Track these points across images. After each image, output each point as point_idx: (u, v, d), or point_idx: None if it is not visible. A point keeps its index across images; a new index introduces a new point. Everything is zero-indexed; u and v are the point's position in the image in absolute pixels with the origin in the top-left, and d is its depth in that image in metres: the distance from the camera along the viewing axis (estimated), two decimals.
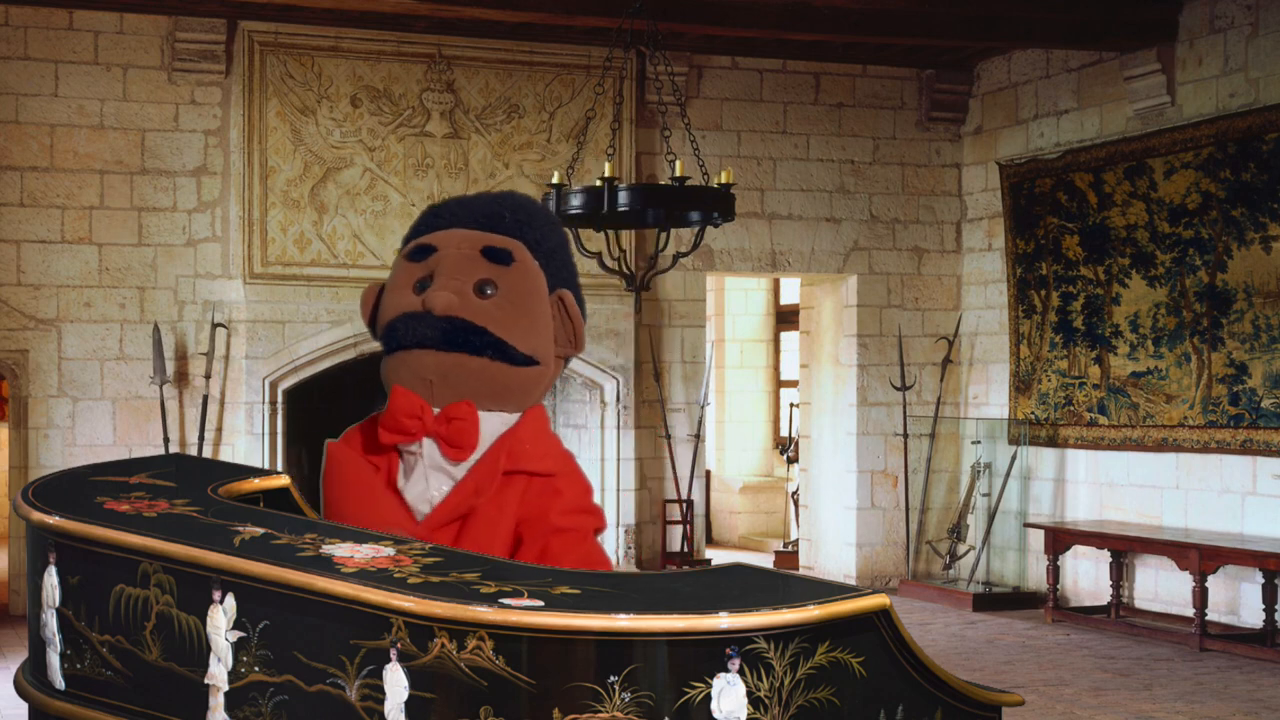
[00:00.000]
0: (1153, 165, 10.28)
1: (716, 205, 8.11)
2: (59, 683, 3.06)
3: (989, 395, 11.93)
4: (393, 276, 3.31)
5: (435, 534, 3.07)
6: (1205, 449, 9.96)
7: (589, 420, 11.38)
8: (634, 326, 11.21)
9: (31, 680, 3.17)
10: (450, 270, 3.19)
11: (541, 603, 2.49)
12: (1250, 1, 9.70)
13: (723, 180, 8.20)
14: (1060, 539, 10.45)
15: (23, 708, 3.23)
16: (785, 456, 14.37)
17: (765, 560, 13.03)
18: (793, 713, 2.50)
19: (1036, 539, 11.02)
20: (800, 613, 2.52)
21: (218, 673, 2.77)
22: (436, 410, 3.14)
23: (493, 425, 3.19)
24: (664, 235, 8.53)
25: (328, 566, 2.69)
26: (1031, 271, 11.38)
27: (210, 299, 10.49)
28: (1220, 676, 8.49)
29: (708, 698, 2.46)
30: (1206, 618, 9.34)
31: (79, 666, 3.02)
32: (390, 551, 2.79)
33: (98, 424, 10.30)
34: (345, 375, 10.86)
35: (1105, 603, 10.50)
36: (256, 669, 2.72)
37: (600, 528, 3.26)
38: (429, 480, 3.15)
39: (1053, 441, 11.26)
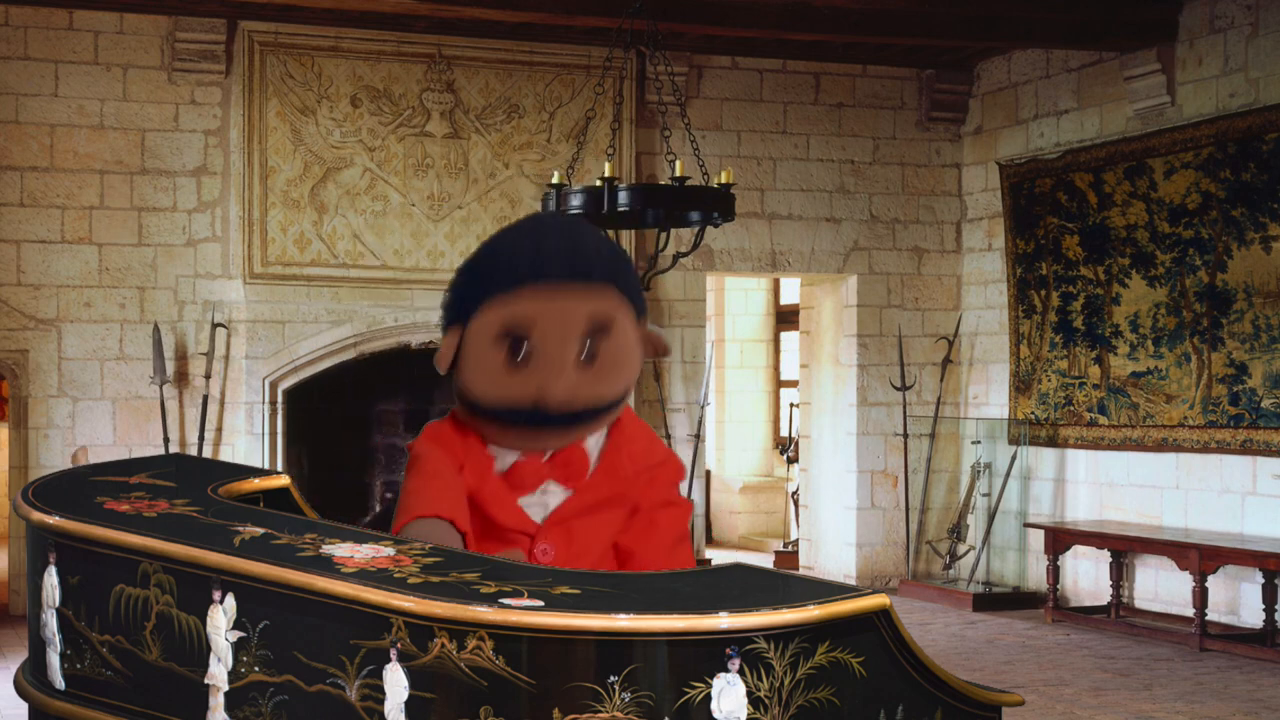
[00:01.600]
0: (1153, 165, 10.28)
1: (716, 205, 8.11)
2: (59, 683, 3.06)
3: (989, 395, 11.93)
4: (476, 342, 3.18)
5: (557, 527, 3.18)
6: (1205, 449, 9.96)
7: None
8: None
9: (31, 680, 3.17)
10: (556, 356, 3.12)
11: (541, 603, 2.49)
12: (1250, 1, 9.70)
13: (723, 180, 8.20)
14: (1060, 539, 10.45)
15: (23, 708, 3.23)
16: (785, 456, 14.37)
17: (765, 560, 13.03)
18: (793, 713, 2.50)
19: (1036, 539, 11.02)
20: (800, 613, 2.52)
21: (218, 673, 2.77)
22: (546, 455, 3.22)
23: (595, 435, 3.30)
24: (664, 235, 8.53)
25: (328, 566, 2.69)
26: (1031, 271, 11.38)
27: (210, 299, 10.49)
28: (1220, 676, 8.49)
29: (708, 698, 2.46)
30: (1206, 618, 9.34)
31: (79, 666, 3.02)
32: (390, 551, 2.79)
33: (98, 424, 10.30)
34: (345, 375, 10.86)
35: (1105, 603, 10.50)
36: (256, 669, 2.72)
37: (690, 505, 3.46)
38: (545, 500, 3.23)
39: (1053, 441, 11.26)
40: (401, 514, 3.11)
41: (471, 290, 3.21)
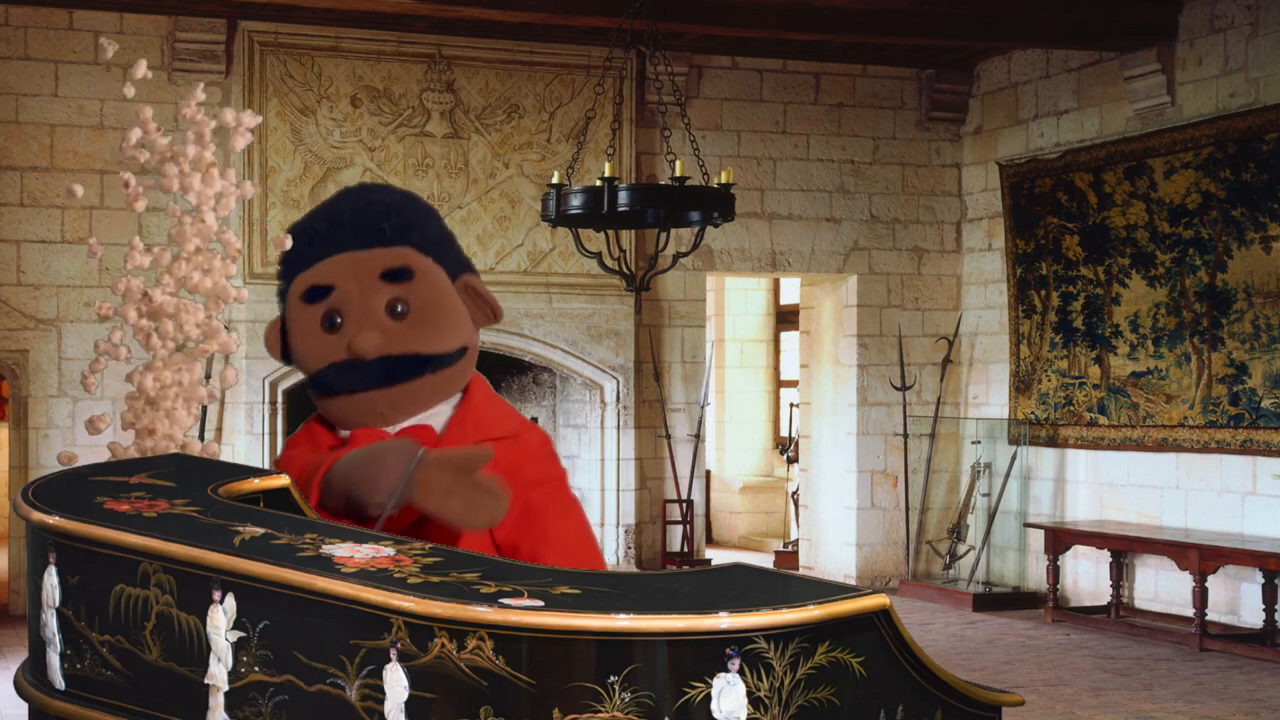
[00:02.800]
0: (1153, 165, 10.28)
1: (716, 205, 8.11)
2: (59, 683, 3.06)
3: (989, 395, 11.93)
4: (293, 319, 3.31)
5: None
6: (1205, 449, 9.96)
7: (589, 420, 11.38)
8: (634, 326, 11.22)
9: (31, 680, 3.17)
10: (359, 306, 3.20)
11: (541, 603, 2.49)
12: (1250, 1, 9.70)
13: (723, 180, 8.20)
14: (1060, 539, 10.45)
15: (23, 708, 3.23)
16: (785, 456, 14.37)
17: (765, 560, 13.03)
18: (793, 713, 2.50)
19: (1036, 539, 11.02)
20: (800, 613, 2.52)
21: (218, 673, 2.77)
22: (393, 430, 3.21)
23: (442, 411, 3.26)
24: (664, 235, 8.53)
25: (328, 566, 2.69)
26: (1031, 271, 11.38)
27: None
28: (1220, 676, 8.49)
29: (708, 698, 2.46)
30: (1206, 618, 9.34)
31: (79, 666, 3.02)
32: (390, 551, 2.79)
33: None
34: None
35: (1105, 603, 10.50)
36: (256, 669, 2.72)
37: (563, 473, 3.38)
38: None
39: (1053, 441, 11.26)
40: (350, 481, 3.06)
41: (283, 271, 3.39)
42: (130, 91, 3.29)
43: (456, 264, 3.38)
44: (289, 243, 3.37)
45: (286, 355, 3.38)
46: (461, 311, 3.31)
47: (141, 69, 3.36)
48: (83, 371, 3.45)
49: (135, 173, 3.59)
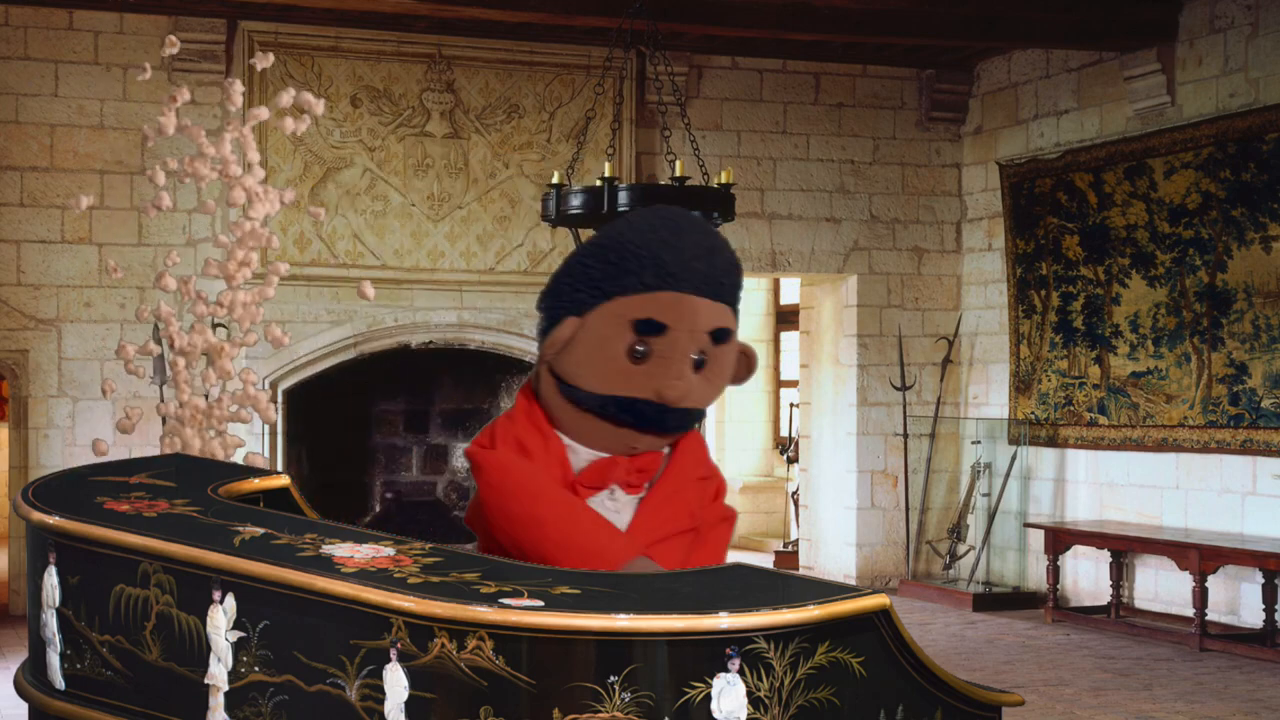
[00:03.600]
0: (1153, 165, 10.28)
1: (716, 205, 8.11)
2: (59, 683, 3.06)
3: (989, 395, 11.93)
4: (600, 332, 3.23)
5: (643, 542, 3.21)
6: (1205, 449, 9.96)
7: None
8: None
9: (31, 680, 3.17)
10: (680, 355, 3.23)
11: (541, 603, 2.49)
12: (1250, 1, 9.70)
13: (723, 180, 8.20)
14: (1060, 539, 10.45)
15: (23, 708, 3.23)
16: (785, 456, 14.37)
17: (765, 560, 13.03)
18: (793, 713, 2.50)
19: (1036, 539, 11.02)
20: (800, 613, 2.52)
21: (218, 673, 2.77)
22: (629, 456, 3.29)
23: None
24: None
25: (328, 566, 2.69)
26: (1031, 271, 11.38)
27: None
28: (1220, 676, 8.49)
29: (708, 698, 2.45)
30: (1206, 618, 9.34)
31: (79, 666, 3.02)
32: (390, 551, 2.79)
33: (98, 424, 10.30)
34: (345, 375, 10.86)
35: (1105, 603, 10.50)
36: (256, 669, 2.72)
37: (735, 514, 3.57)
38: (615, 501, 3.24)
39: (1053, 441, 11.26)
40: (569, 551, 3.04)
41: (601, 281, 3.25)
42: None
43: (738, 318, 3.49)
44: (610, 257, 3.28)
45: (551, 361, 3.31)
46: (732, 371, 3.43)
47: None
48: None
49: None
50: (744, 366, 3.43)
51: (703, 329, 3.24)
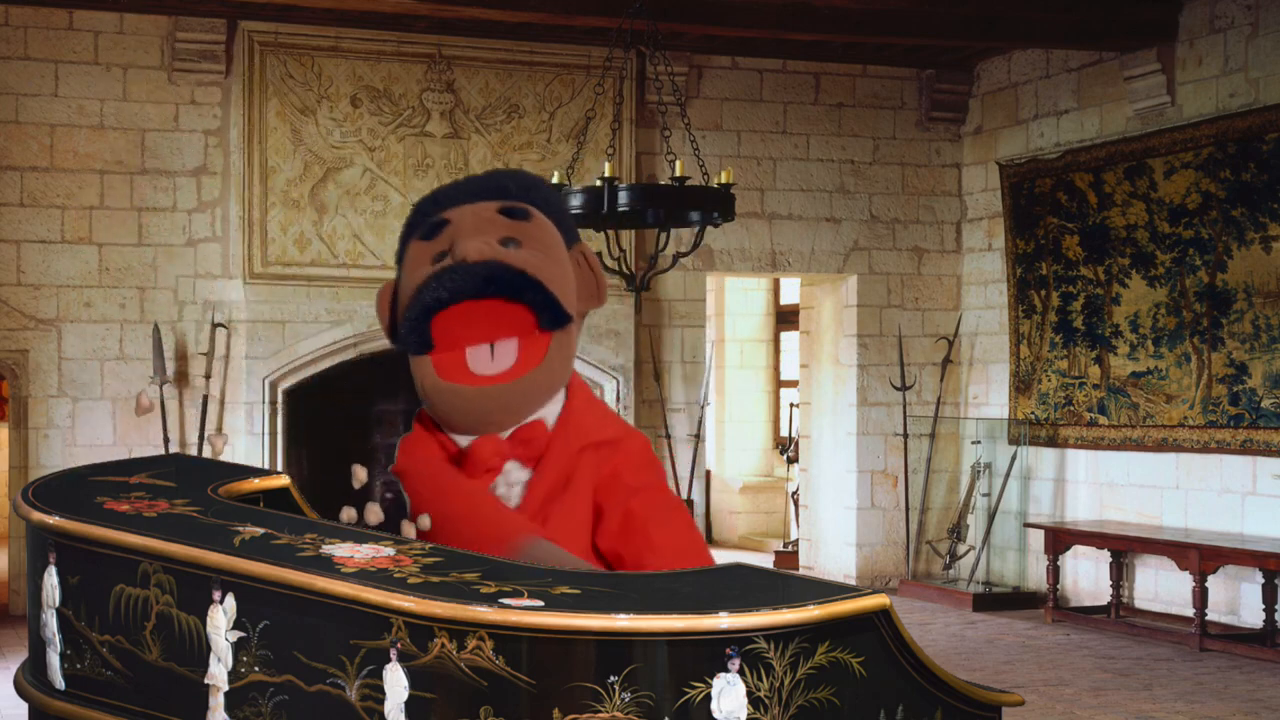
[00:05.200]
0: (1153, 165, 10.28)
1: (716, 205, 8.11)
2: (59, 683, 3.06)
3: (989, 395, 11.93)
4: (406, 262, 3.28)
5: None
6: (1205, 449, 9.96)
7: None
8: (634, 326, 11.21)
9: (31, 680, 3.17)
10: (471, 230, 3.15)
11: (541, 603, 2.49)
12: (1250, 1, 9.70)
13: (723, 180, 8.20)
14: (1060, 539, 10.45)
15: (23, 708, 3.23)
16: (785, 456, 14.37)
17: (765, 560, 13.03)
18: (793, 713, 2.50)
19: (1036, 539, 11.02)
20: (800, 613, 2.52)
21: (218, 673, 2.77)
22: (506, 435, 3.15)
23: (552, 410, 3.22)
24: (664, 235, 8.53)
25: (328, 566, 2.69)
26: (1031, 271, 11.38)
27: (210, 299, 10.49)
28: (1220, 676, 8.49)
29: (708, 698, 2.46)
30: (1206, 618, 9.34)
31: (79, 666, 3.02)
32: (390, 551, 2.79)
33: (98, 424, 10.30)
34: (345, 375, 10.86)
35: (1105, 603, 10.50)
36: (256, 669, 2.72)
37: (663, 475, 3.36)
38: (509, 485, 3.18)
39: (1053, 441, 11.26)
40: (479, 545, 2.98)
41: (401, 241, 3.36)
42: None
43: (570, 233, 3.35)
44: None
45: (394, 324, 3.29)
46: (571, 276, 3.25)
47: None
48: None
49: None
50: (583, 264, 3.29)
51: (486, 212, 3.18)
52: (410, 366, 3.23)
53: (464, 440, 3.20)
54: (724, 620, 2.47)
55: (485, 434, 3.16)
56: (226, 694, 2.77)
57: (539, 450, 3.16)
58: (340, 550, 2.78)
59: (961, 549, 11.71)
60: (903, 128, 12.18)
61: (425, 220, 3.29)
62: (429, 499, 3.11)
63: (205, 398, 10.36)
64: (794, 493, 13.57)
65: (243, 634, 2.74)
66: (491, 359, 3.11)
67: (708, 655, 2.46)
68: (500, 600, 2.50)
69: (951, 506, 12.08)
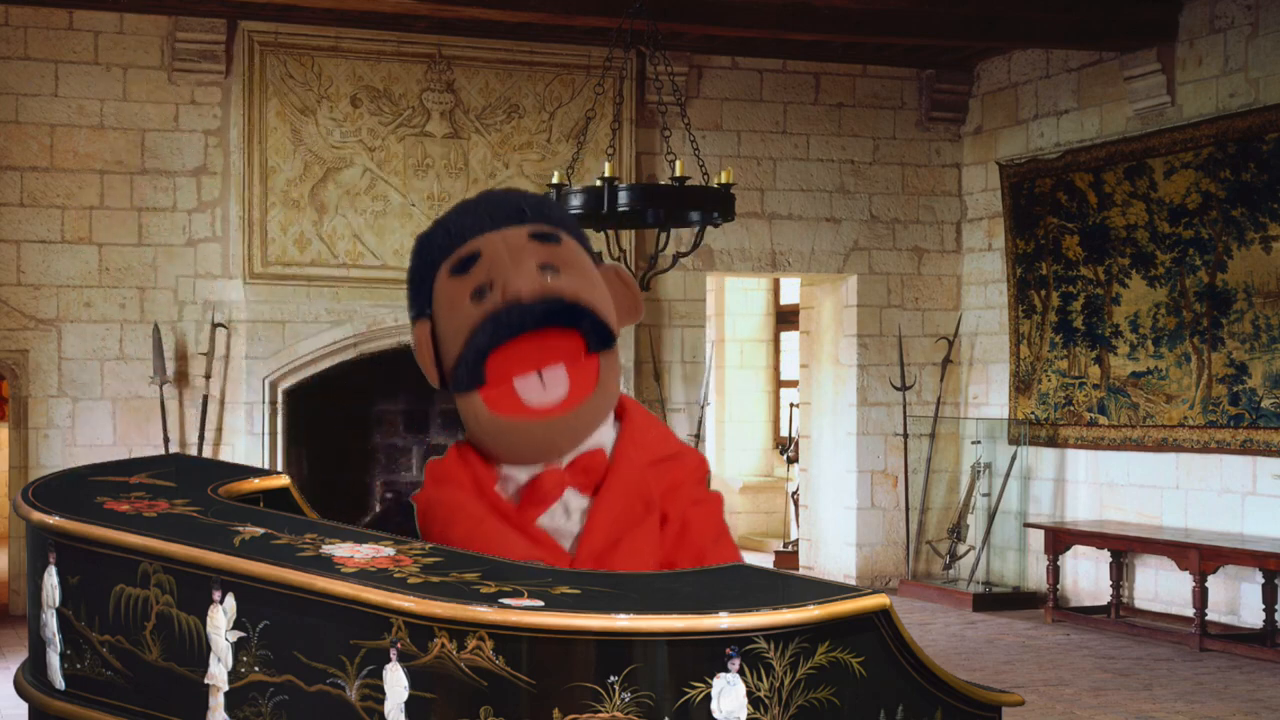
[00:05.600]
0: (1153, 165, 10.28)
1: (716, 205, 8.11)
2: (59, 683, 3.06)
3: (989, 395, 11.93)
4: (440, 303, 3.11)
5: (591, 561, 3.03)
6: (1205, 449, 9.96)
7: None
8: (634, 326, 11.22)
9: (31, 680, 3.17)
10: (510, 262, 3.05)
11: (541, 603, 2.49)
12: (1250, 1, 9.70)
13: (723, 180, 8.20)
14: (1060, 539, 10.45)
15: (23, 708, 3.23)
16: (785, 456, 14.37)
17: (765, 560, 13.03)
18: (793, 713, 2.50)
19: (1036, 539, 11.02)
20: (800, 613, 2.52)
21: (218, 673, 2.77)
22: (565, 464, 3.09)
23: (605, 434, 3.16)
24: (664, 235, 8.53)
25: (328, 566, 2.69)
26: (1031, 271, 11.38)
27: (210, 299, 10.49)
28: (1220, 676, 8.49)
29: (708, 698, 2.45)
30: (1206, 618, 9.34)
31: (79, 666, 3.02)
32: (390, 551, 2.79)
33: (98, 424, 10.30)
34: (345, 375, 10.86)
35: (1105, 603, 10.50)
36: (256, 669, 2.72)
37: (721, 499, 3.29)
38: (568, 513, 3.09)
39: (1053, 441, 11.26)
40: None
41: (421, 275, 3.18)
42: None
43: (591, 250, 3.27)
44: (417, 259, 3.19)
45: (441, 371, 3.14)
46: (609, 295, 3.18)
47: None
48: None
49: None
50: (617, 277, 3.21)
51: (517, 240, 3.08)
52: (458, 404, 3.16)
53: (520, 472, 3.12)
54: (724, 620, 2.47)
55: (546, 463, 3.10)
56: (226, 694, 2.77)
57: (598, 476, 3.13)
58: (340, 550, 2.78)
59: (961, 549, 11.71)
60: (903, 128, 12.17)
61: (443, 253, 3.15)
62: (460, 539, 3.03)
63: (205, 398, 10.36)
64: (794, 493, 13.57)
65: (243, 634, 2.74)
66: (543, 388, 3.07)
67: (708, 655, 2.46)
68: (500, 600, 2.50)
69: (951, 506, 12.08)
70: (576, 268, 3.13)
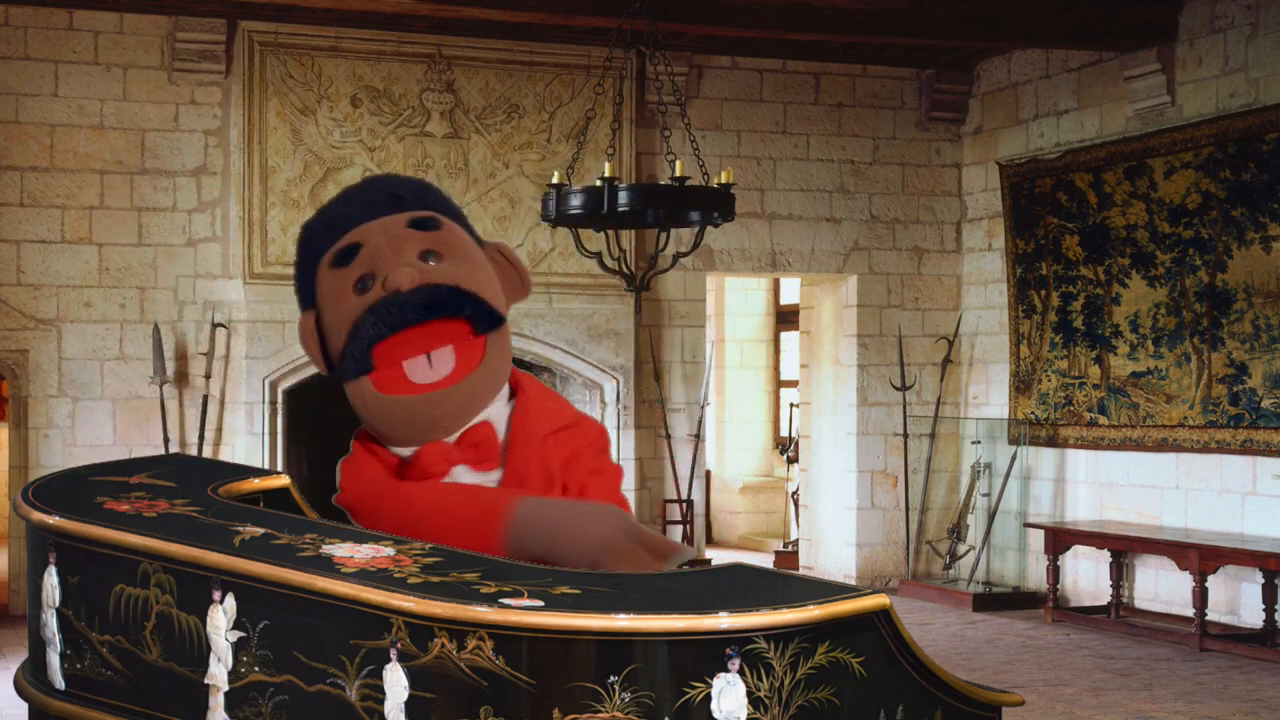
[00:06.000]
0: (1153, 165, 10.28)
1: (716, 205, 8.11)
2: (59, 683, 3.06)
3: (989, 395, 11.92)
4: (324, 294, 3.16)
5: None
6: (1205, 449, 9.96)
7: None
8: (634, 326, 11.21)
9: (31, 680, 3.17)
10: (390, 253, 3.08)
11: (541, 603, 2.49)
12: (1250, 1, 9.70)
13: (723, 180, 8.20)
14: (1060, 539, 10.45)
15: (23, 708, 3.23)
16: (785, 456, 14.37)
17: (765, 560, 13.03)
18: (793, 713, 2.50)
19: (1036, 539, 11.02)
20: (800, 613, 2.52)
21: (218, 673, 2.77)
22: (452, 438, 3.10)
23: (498, 411, 3.17)
24: (664, 235, 8.53)
25: (328, 566, 2.69)
26: (1031, 271, 11.38)
27: (210, 299, 10.49)
28: (1220, 676, 8.49)
29: (708, 698, 2.46)
30: (1206, 618, 9.34)
31: (79, 666, 3.02)
32: (390, 551, 2.79)
33: (98, 424, 10.30)
34: None
35: (1105, 603, 10.50)
36: (256, 669, 2.72)
37: (621, 470, 3.31)
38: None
39: (1053, 441, 11.26)
40: (460, 534, 2.93)
41: (306, 260, 3.21)
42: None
43: (473, 231, 3.30)
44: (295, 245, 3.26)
45: (327, 355, 3.22)
46: (494, 276, 3.21)
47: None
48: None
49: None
50: (500, 256, 3.24)
51: (396, 229, 3.10)
52: (348, 392, 3.21)
53: (407, 452, 3.15)
54: (724, 620, 2.47)
55: (430, 441, 3.11)
56: (226, 694, 2.77)
57: (490, 451, 3.12)
58: (340, 550, 2.78)
59: (961, 549, 11.71)
60: (903, 128, 12.17)
61: (324, 244, 3.17)
62: (390, 510, 3.05)
63: (205, 398, 10.36)
64: (794, 493, 13.57)
65: (243, 634, 2.74)
66: (430, 367, 3.09)
67: (708, 655, 2.46)
68: (500, 600, 2.50)
69: (951, 506, 12.08)
70: (458, 252, 3.15)
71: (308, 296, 3.24)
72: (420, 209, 3.19)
